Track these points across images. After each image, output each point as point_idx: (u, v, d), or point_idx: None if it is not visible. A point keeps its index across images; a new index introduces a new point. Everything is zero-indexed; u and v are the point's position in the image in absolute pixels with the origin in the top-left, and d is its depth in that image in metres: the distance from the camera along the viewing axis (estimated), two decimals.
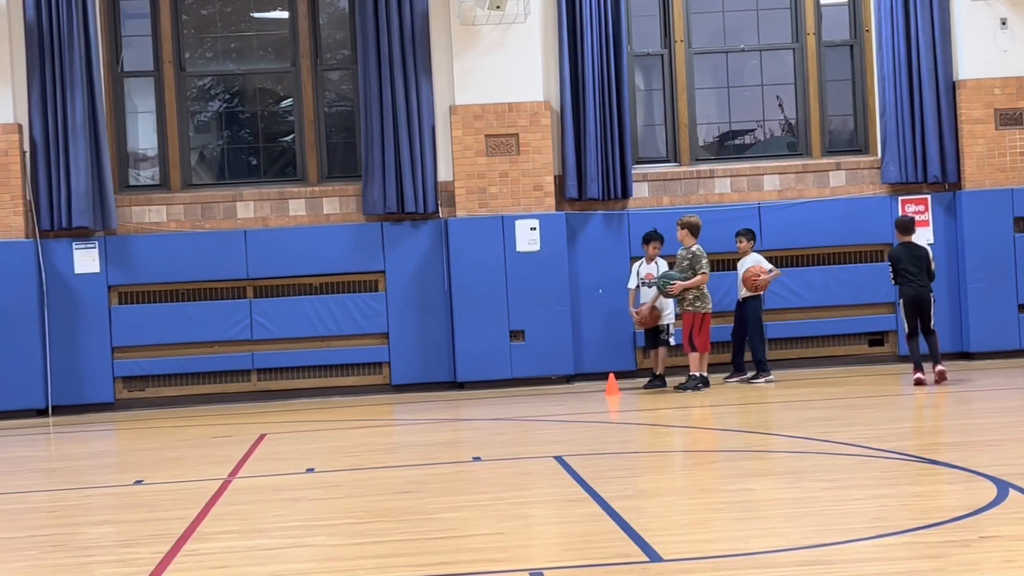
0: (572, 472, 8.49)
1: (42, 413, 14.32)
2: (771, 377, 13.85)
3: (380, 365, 14.97)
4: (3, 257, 14.19)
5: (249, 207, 14.97)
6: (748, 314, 13.98)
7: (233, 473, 9.29)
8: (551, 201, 14.92)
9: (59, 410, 14.37)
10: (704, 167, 15.51)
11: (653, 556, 5.98)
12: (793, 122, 15.92)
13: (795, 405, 12.13)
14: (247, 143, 15.72)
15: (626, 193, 15.04)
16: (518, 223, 14.75)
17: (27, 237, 14.37)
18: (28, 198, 14.43)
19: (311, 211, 15.09)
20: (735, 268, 14.39)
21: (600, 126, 14.95)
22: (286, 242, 14.79)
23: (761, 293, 14.10)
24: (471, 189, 14.86)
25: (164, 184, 15.16)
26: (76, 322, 14.46)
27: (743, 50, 15.80)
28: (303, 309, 14.80)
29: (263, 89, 15.77)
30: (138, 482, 9.15)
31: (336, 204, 15.10)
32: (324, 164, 15.34)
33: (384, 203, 14.78)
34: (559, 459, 9.07)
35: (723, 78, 15.84)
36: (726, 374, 14.19)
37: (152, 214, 14.93)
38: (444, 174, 14.97)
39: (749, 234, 14.25)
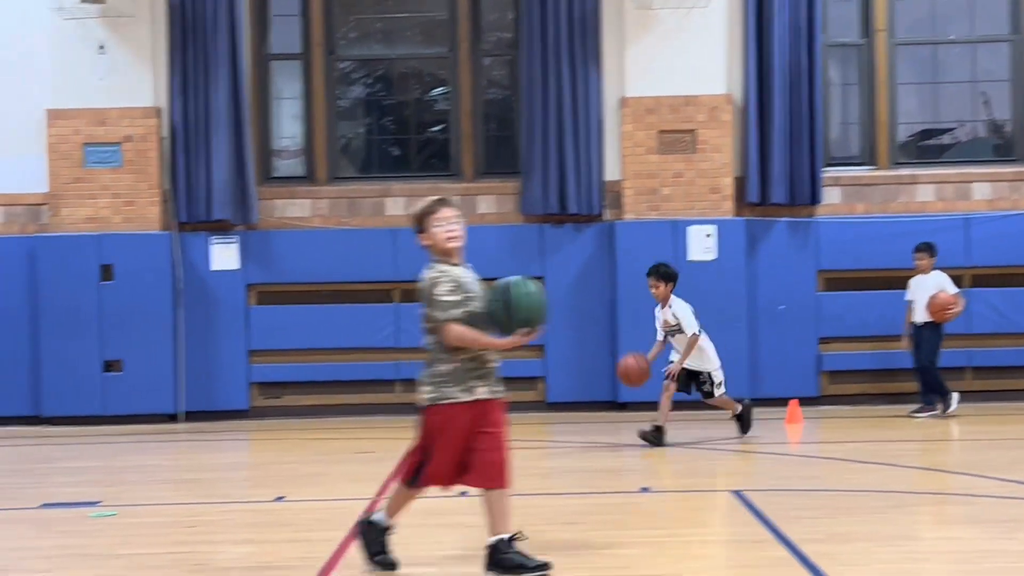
0: (753, 509, 8.41)
1: (172, 418, 14.72)
2: (957, 396, 13.60)
3: (534, 380, 15.03)
4: (138, 250, 14.63)
5: (399, 203, 15.17)
6: (928, 342, 13.64)
7: (380, 493, 9.42)
8: (729, 205, 14.81)
9: (191, 416, 14.75)
10: (905, 172, 15.23)
11: None
12: (1003, 123, 15.53)
13: (1001, 444, 11.82)
14: (395, 133, 15.94)
15: (815, 199, 14.85)
16: (692, 229, 14.67)
17: (163, 229, 14.79)
18: (165, 187, 14.85)
19: (465, 209, 15.14)
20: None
21: (788, 123, 14.78)
22: None
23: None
24: (640, 190, 14.83)
25: (309, 176, 15.45)
26: (211, 322, 14.83)
27: (952, 42, 15.47)
28: None
29: (414, 75, 15.97)
30: (279, 499, 9.35)
31: (492, 203, 15.22)
32: (480, 159, 15.48)
33: (544, 203, 14.85)
34: (738, 494, 8.99)
35: (927, 72, 15.54)
36: (913, 407, 13.89)
37: (295, 208, 15.24)
38: (611, 173, 14.97)
39: (931, 249, 13.89)
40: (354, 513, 8.46)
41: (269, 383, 15.01)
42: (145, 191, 14.77)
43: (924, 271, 13.87)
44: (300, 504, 9.17)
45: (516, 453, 11.87)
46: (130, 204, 14.72)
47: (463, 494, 9.29)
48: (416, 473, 6.82)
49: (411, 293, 15.04)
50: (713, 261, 14.60)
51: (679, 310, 11.76)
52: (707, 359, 11.95)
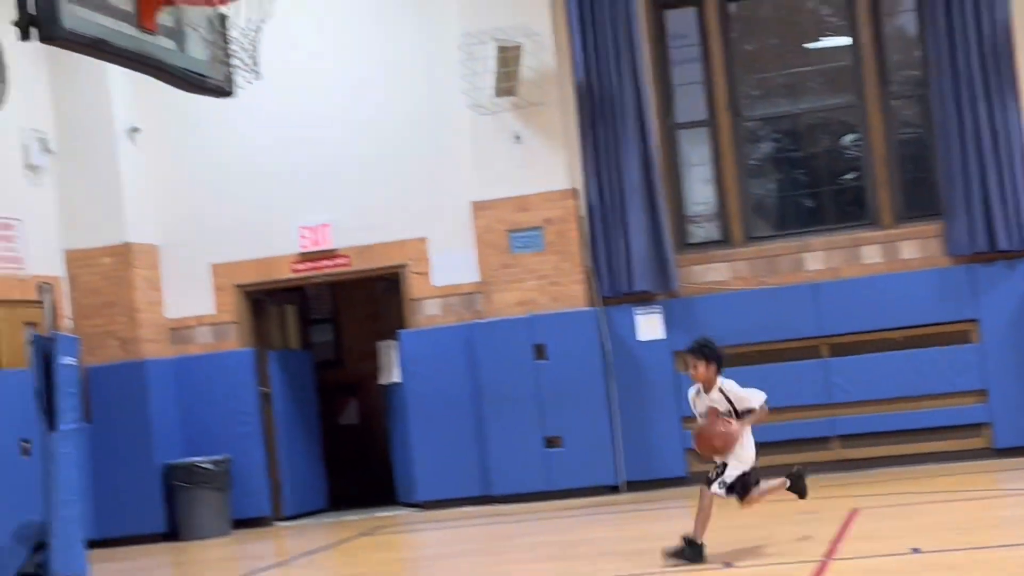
0: None
1: (614, 489, 15.01)
2: None
3: (978, 427, 14.44)
4: (566, 327, 15.09)
5: (818, 257, 15.01)
6: None
7: (828, 554, 9.29)
8: None
9: (631, 485, 15.00)
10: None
11: None
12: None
13: None
14: (806, 187, 15.79)
15: None
16: None
17: (588, 306, 15.21)
18: (587, 265, 15.29)
19: (886, 256, 14.89)
20: None
21: None
22: (861, 293, 14.67)
23: None
24: None
25: (724, 239, 15.54)
26: (642, 392, 15.08)
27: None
28: (885, 367, 14.58)
29: (821, 125, 15.81)
30: (728, 565, 9.36)
31: (915, 247, 14.82)
32: (899, 203, 15.12)
33: (972, 242, 14.33)
34: None
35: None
36: None
37: (713, 272, 15.34)
38: None
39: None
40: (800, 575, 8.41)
41: None
42: (568, 271, 15.25)
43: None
44: (748, 570, 9.15)
45: (968, 504, 11.53)
46: (556, 284, 15.24)
47: (915, 551, 9.06)
48: None
49: (839, 347, 14.89)
50: None
51: (731, 387, 9.71)
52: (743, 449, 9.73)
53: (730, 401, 9.63)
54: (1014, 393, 14.20)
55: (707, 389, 9.68)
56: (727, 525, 11.88)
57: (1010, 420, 14.23)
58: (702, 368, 9.66)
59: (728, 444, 9.56)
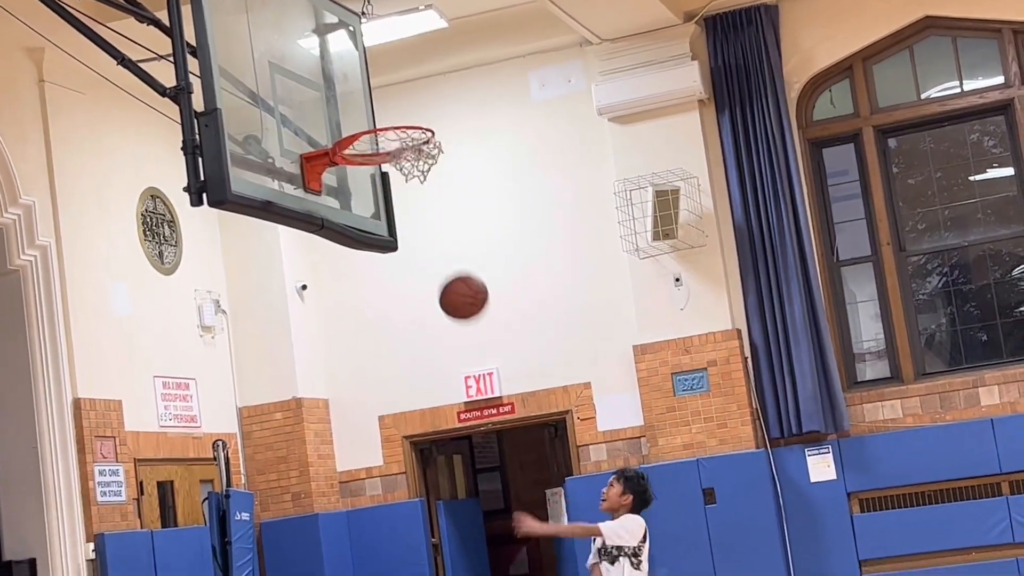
0: None
1: None
2: None
3: None
4: (737, 469, 14.88)
5: (993, 392, 14.61)
6: None
7: None
8: None
9: None
10: None
11: None
12: None
13: None
14: (980, 320, 15.46)
15: None
16: None
17: (757, 447, 15.00)
18: (755, 406, 15.12)
19: None
20: None
21: None
22: None
23: None
24: None
25: (895, 376, 15.23)
26: (817, 534, 14.73)
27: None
28: None
29: (991, 256, 15.51)
30: None
31: None
32: None
33: None
34: None
35: None
36: None
37: (885, 410, 15.02)
38: None
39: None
40: None
41: None
42: (735, 412, 15.09)
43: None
44: None
45: None
46: (723, 426, 15.08)
47: None
48: None
49: (1019, 485, 14.39)
50: None
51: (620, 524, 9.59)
52: None
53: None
54: None
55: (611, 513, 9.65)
56: None
57: None
58: (615, 488, 9.75)
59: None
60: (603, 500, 9.86)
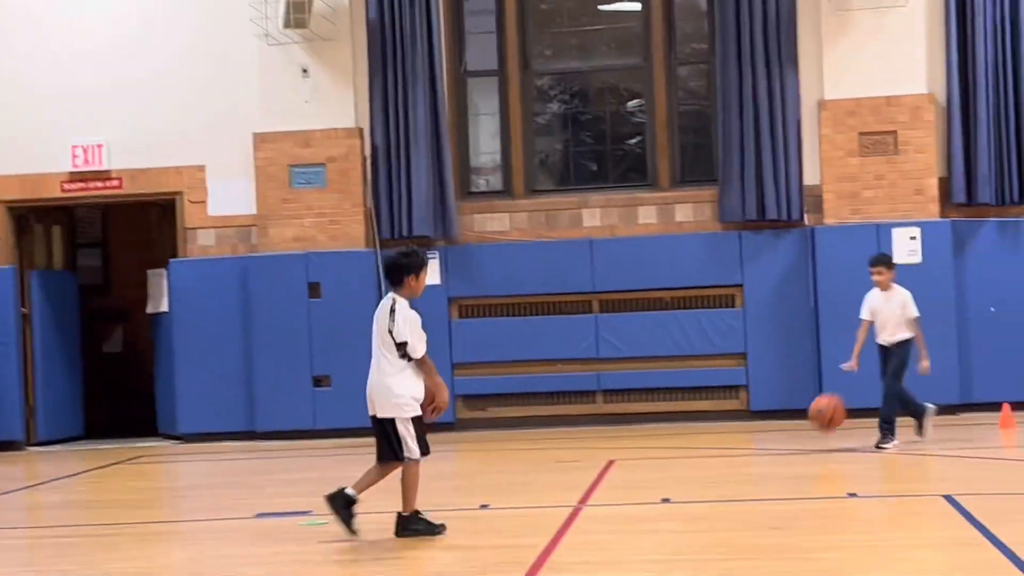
0: (965, 513, 8.21)
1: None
2: (897, 442, 11.76)
3: (737, 389, 14.92)
4: (343, 267, 15.00)
5: (595, 215, 15.23)
6: (898, 362, 12.01)
7: (583, 500, 9.49)
8: (934, 207, 14.49)
9: None
10: None
11: None
12: None
13: None
14: (591, 146, 16.02)
15: None
16: (896, 232, 14.39)
17: (367, 247, 15.13)
18: (368, 205, 15.20)
19: (662, 219, 15.20)
20: None
21: (994, 121, 14.43)
22: (635, 252, 14.95)
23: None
24: (841, 194, 14.61)
25: (507, 190, 15.63)
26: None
27: None
28: (653, 326, 14.92)
29: (609, 88, 16.03)
30: (484, 507, 9.49)
31: (690, 211, 15.16)
32: (677, 168, 15.44)
33: (743, 210, 14.73)
34: (949, 498, 8.78)
35: None
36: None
37: (494, 222, 15.41)
38: (810, 177, 14.77)
39: (888, 262, 12.30)
40: (558, 520, 8.56)
41: (474, 396, 15.19)
42: (349, 210, 15.13)
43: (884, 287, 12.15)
44: (505, 511, 9.29)
45: (720, 460, 11.92)
46: (335, 223, 15.11)
47: (665, 500, 9.33)
48: None
49: (610, 304, 15.17)
50: (919, 264, 14.25)
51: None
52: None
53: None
54: (770, 358, 14.70)
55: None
56: (481, 471, 12.06)
57: (765, 384, 14.73)
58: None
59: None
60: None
